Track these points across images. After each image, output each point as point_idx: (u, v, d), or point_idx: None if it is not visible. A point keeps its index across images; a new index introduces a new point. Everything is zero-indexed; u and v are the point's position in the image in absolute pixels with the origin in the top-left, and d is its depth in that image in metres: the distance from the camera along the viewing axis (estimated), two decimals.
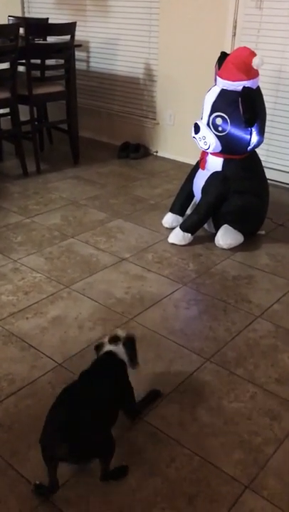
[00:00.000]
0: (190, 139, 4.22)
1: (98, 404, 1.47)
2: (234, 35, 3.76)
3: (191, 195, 3.10)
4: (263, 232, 3.08)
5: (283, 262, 2.79)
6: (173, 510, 1.42)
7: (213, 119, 2.71)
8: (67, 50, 3.90)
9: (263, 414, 1.75)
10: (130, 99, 4.64)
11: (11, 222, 3.15)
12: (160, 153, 4.59)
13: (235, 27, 3.74)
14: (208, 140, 2.75)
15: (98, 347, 1.67)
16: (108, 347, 1.64)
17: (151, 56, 4.34)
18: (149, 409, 1.75)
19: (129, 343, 1.66)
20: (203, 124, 2.77)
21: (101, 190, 3.72)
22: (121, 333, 1.68)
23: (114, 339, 1.65)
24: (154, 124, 4.54)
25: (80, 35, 4.53)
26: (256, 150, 2.88)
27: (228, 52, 2.84)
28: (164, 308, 2.35)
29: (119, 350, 1.63)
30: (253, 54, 2.53)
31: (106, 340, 1.66)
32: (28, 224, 3.14)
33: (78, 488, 1.47)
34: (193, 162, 4.20)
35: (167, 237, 2.99)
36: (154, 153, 4.62)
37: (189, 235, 2.92)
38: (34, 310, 2.29)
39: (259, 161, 2.91)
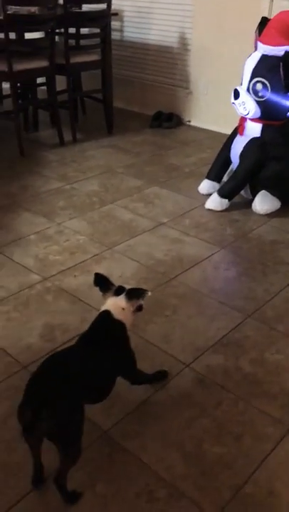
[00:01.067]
0: (224, 108, 4.25)
1: (84, 376, 1.37)
2: (271, 4, 3.72)
3: (228, 162, 3.14)
4: None
5: None
6: (221, 446, 1.53)
7: (254, 85, 2.74)
8: (103, 19, 3.92)
9: None
10: (163, 68, 4.64)
11: (51, 188, 3.26)
12: (193, 123, 4.61)
13: None
14: (248, 106, 2.78)
15: (102, 279, 1.58)
16: (110, 298, 1.54)
17: (185, 25, 4.32)
18: (195, 358, 1.85)
19: (133, 291, 1.55)
20: (243, 90, 2.79)
21: (136, 159, 3.78)
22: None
23: (118, 290, 1.56)
24: (187, 93, 4.55)
25: (114, 3, 4.53)
26: None
27: (267, 17, 2.83)
28: (204, 269, 2.44)
29: (119, 303, 1.52)
30: None
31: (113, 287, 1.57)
32: (68, 190, 3.24)
33: (134, 423, 1.59)
34: (227, 131, 4.21)
35: (204, 203, 3.05)
36: (187, 123, 4.64)
37: (226, 200, 2.98)
38: (80, 269, 2.41)
39: None
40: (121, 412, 1.62)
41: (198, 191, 3.22)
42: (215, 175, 3.19)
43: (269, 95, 2.71)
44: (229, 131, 4.30)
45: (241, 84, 2.85)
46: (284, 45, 2.58)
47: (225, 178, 3.18)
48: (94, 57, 4.03)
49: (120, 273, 2.37)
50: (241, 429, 1.58)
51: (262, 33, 2.73)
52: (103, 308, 1.55)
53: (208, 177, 3.21)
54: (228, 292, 2.26)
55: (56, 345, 1.92)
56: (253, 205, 2.96)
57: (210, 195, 3.09)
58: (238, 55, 3.99)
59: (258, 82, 2.71)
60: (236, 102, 2.84)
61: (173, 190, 3.26)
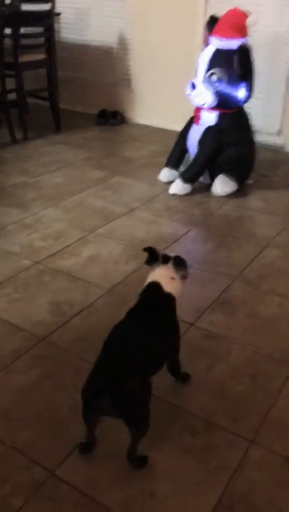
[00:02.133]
0: (165, 104, 4.52)
1: (144, 356, 1.39)
2: (207, 1, 4.02)
3: (185, 151, 3.37)
4: (251, 182, 3.41)
5: (274, 204, 3.13)
6: (241, 384, 1.71)
7: (209, 76, 2.98)
8: (48, 19, 4.01)
9: None
10: (104, 67, 4.80)
11: (16, 182, 3.29)
12: (137, 120, 4.81)
13: None
14: (204, 96, 3.01)
15: (152, 252, 1.57)
16: (157, 269, 1.54)
17: (124, 25, 4.51)
18: (197, 318, 2.03)
19: (180, 259, 1.56)
20: (199, 82, 3.03)
21: (92, 153, 3.90)
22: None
23: (164, 258, 1.56)
24: (128, 91, 4.74)
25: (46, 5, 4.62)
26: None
27: (215, 15, 3.09)
28: (184, 244, 2.63)
29: (168, 273, 1.52)
30: (246, 14, 2.81)
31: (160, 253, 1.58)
32: (34, 183, 3.29)
33: (160, 375, 1.72)
34: (170, 127, 4.52)
35: (167, 189, 3.24)
36: (131, 120, 4.83)
37: (189, 185, 3.19)
38: (68, 252, 2.50)
39: (246, 114, 3.22)
40: None
41: (158, 179, 3.41)
42: (174, 163, 3.39)
43: (224, 85, 2.97)
44: (172, 127, 4.59)
45: (196, 76, 3.08)
46: (237, 38, 2.85)
47: (182, 167, 3.40)
48: (41, 56, 4.11)
49: (109, 253, 2.50)
50: (254, 370, 1.78)
51: (212, 29, 2.98)
52: (151, 278, 1.52)
53: (168, 165, 3.41)
54: (211, 262, 2.47)
55: (67, 318, 2.01)
56: (214, 188, 3.20)
57: (170, 182, 3.29)
58: (177, 53, 4.28)
59: (213, 73, 2.96)
60: (193, 93, 3.06)
61: (135, 180, 3.42)
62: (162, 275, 1.51)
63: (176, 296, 1.53)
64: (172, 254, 1.57)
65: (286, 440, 1.51)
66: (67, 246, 2.55)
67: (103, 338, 1.88)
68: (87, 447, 1.44)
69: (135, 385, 1.30)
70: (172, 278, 1.52)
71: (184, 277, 1.56)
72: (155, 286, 1.50)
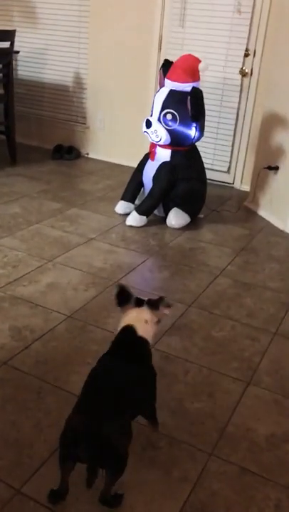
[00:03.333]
0: (120, 141, 4.71)
1: (123, 401, 1.34)
2: (160, 49, 4.30)
3: (141, 185, 3.52)
4: (202, 216, 3.59)
5: (224, 236, 3.31)
6: (199, 402, 1.79)
7: (164, 116, 3.17)
8: (6, 56, 4.13)
9: (244, 338, 2.20)
10: (60, 105, 4.96)
11: None
12: (91, 155, 4.96)
13: (160, 42, 4.27)
14: (160, 133, 3.20)
15: (123, 292, 1.52)
16: (131, 310, 1.50)
17: (80, 66, 4.72)
18: (156, 341, 2.11)
19: (153, 302, 1.52)
20: (154, 120, 3.21)
21: (48, 185, 3.98)
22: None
23: (137, 301, 1.52)
24: (84, 128, 4.90)
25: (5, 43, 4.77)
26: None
27: (169, 60, 3.31)
28: (141, 273, 2.73)
29: (142, 315, 1.49)
30: (199, 60, 3.05)
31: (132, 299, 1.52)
32: None
33: None
34: (124, 162, 4.72)
35: (123, 221, 3.36)
36: (86, 155, 4.97)
37: (145, 217, 3.33)
38: (28, 279, 2.53)
39: (199, 152, 3.42)
40: None
41: (114, 211, 3.52)
42: (130, 196, 3.53)
43: (177, 125, 3.16)
44: (125, 163, 4.77)
45: (151, 115, 3.27)
46: (189, 82, 3.07)
47: (137, 200, 3.54)
48: None
49: (68, 280, 2.55)
50: (211, 388, 1.87)
51: (167, 72, 3.19)
52: (125, 322, 1.49)
53: (124, 198, 3.54)
54: (167, 289, 2.57)
55: (28, 342, 2.03)
56: (168, 220, 3.35)
57: (126, 214, 3.42)
58: (132, 93, 4.51)
59: (168, 113, 3.15)
60: (148, 130, 3.24)
61: (92, 211, 3.52)
62: (135, 317, 1.48)
63: (150, 340, 1.50)
64: (144, 298, 1.53)
65: (242, 452, 1.60)
66: (27, 274, 2.59)
67: (65, 361, 1.94)
68: (58, 495, 1.35)
69: (113, 430, 1.25)
70: (146, 321, 1.48)
71: (158, 321, 1.52)
72: (129, 330, 1.46)
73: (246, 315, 2.39)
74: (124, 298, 1.52)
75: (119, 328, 1.51)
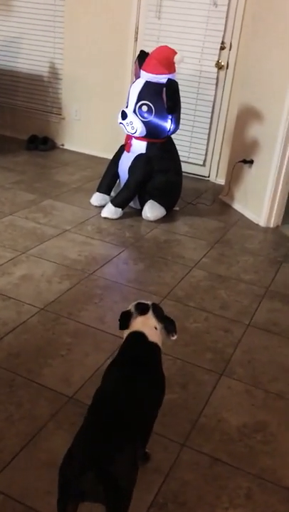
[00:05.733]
0: (95, 132, 4.67)
1: (135, 424, 1.21)
2: (136, 40, 4.26)
3: (116, 176, 3.49)
4: (177, 209, 3.59)
5: (199, 229, 3.32)
6: (172, 393, 1.80)
7: (140, 107, 3.15)
8: None
9: (217, 329, 2.22)
10: (35, 95, 4.88)
11: None
12: (67, 146, 4.90)
13: (137, 33, 4.23)
14: (135, 125, 3.18)
15: (125, 316, 1.44)
16: (137, 319, 1.42)
17: (56, 56, 4.65)
18: None
19: (158, 308, 1.48)
20: (130, 111, 3.19)
21: (22, 176, 3.93)
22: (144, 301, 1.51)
23: (141, 307, 1.44)
24: (59, 118, 4.84)
25: None
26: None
27: (144, 51, 3.29)
28: (116, 265, 2.72)
29: (150, 322, 1.42)
30: (174, 52, 3.03)
31: (132, 308, 1.46)
32: None
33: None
34: (99, 154, 4.69)
35: (98, 213, 3.34)
36: (61, 146, 4.91)
37: (120, 209, 3.31)
38: (0, 271, 2.49)
39: (174, 144, 3.42)
40: (81, 379, 1.80)
41: (90, 203, 3.50)
42: (105, 188, 3.50)
43: (153, 116, 3.15)
44: (101, 154, 4.75)
45: (127, 106, 3.25)
46: (165, 73, 3.05)
47: (113, 192, 3.52)
48: None
49: (42, 272, 2.52)
50: (184, 380, 1.88)
51: (143, 63, 3.17)
52: (134, 329, 1.41)
53: (99, 190, 3.51)
54: (142, 281, 2.57)
55: (0, 335, 2.00)
56: (144, 213, 3.34)
57: (101, 206, 3.40)
58: (108, 84, 4.47)
59: (143, 104, 3.13)
60: (124, 121, 3.22)
61: (67, 203, 3.49)
62: (145, 324, 1.41)
63: (160, 345, 1.44)
64: (149, 303, 1.48)
65: (214, 442, 1.61)
66: None
67: (37, 354, 1.92)
68: None
69: (125, 459, 1.10)
70: (156, 328, 1.43)
71: (171, 335, 1.47)
72: (139, 335, 1.38)
73: (220, 307, 2.41)
74: (126, 321, 1.43)
75: (125, 335, 1.43)
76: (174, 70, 3.11)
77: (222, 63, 3.99)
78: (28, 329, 2.08)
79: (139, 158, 3.28)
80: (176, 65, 3.10)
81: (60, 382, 1.78)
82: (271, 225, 3.46)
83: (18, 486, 1.38)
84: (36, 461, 1.47)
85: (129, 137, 3.34)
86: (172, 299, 2.43)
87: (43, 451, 1.50)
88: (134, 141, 3.31)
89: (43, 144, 4.76)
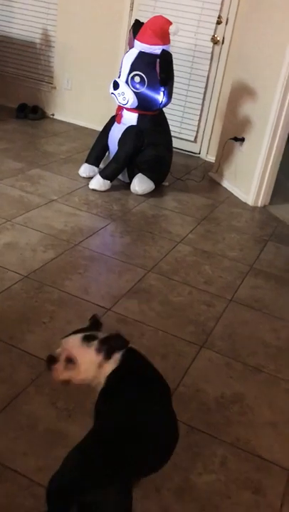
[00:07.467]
0: (87, 103, 4.60)
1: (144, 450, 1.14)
2: (131, 9, 4.17)
3: (106, 148, 3.45)
4: (166, 184, 3.58)
5: (187, 205, 3.32)
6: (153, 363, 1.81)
7: (132, 78, 3.10)
8: None
9: (200, 303, 2.24)
10: (26, 62, 4.76)
11: None
12: (57, 116, 4.82)
13: (132, 2, 4.14)
14: (127, 95, 3.13)
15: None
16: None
17: (49, 22, 4.53)
18: (114, 304, 2.11)
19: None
20: (122, 82, 3.13)
21: (10, 144, 3.86)
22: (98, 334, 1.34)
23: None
24: (51, 87, 4.75)
25: None
26: None
27: (139, 20, 3.22)
28: (102, 237, 2.71)
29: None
30: (169, 22, 2.97)
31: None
32: None
33: None
34: (90, 125, 4.62)
35: (86, 184, 3.31)
36: (51, 116, 4.83)
37: (108, 182, 3.28)
38: None
39: (166, 118, 3.38)
40: None
41: (78, 174, 3.46)
42: (94, 159, 3.47)
43: (145, 87, 3.10)
44: (91, 125, 4.69)
45: (119, 76, 3.19)
46: (159, 44, 3.00)
47: (102, 164, 3.48)
48: None
49: (26, 241, 2.51)
50: (165, 350, 1.90)
51: (137, 33, 3.10)
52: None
53: (88, 161, 3.47)
54: (128, 254, 2.57)
55: None
56: (132, 186, 3.32)
57: (90, 178, 3.36)
58: (101, 54, 4.38)
59: (136, 75, 3.08)
60: (116, 92, 3.17)
61: (55, 173, 3.44)
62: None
63: None
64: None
65: (191, 412, 1.64)
66: None
67: (20, 320, 1.92)
68: None
69: (115, 492, 1.02)
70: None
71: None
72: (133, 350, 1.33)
73: (204, 282, 2.42)
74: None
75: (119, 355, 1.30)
76: (169, 42, 3.06)
77: (218, 38, 3.94)
78: (11, 296, 2.07)
79: (129, 130, 3.24)
80: (170, 36, 3.04)
81: (41, 349, 1.78)
82: (259, 204, 3.47)
83: None
84: (15, 423, 1.49)
85: (120, 108, 3.29)
86: (157, 272, 2.43)
87: (22, 414, 1.51)
88: (125, 113, 3.27)
89: (32, 112, 4.68)
